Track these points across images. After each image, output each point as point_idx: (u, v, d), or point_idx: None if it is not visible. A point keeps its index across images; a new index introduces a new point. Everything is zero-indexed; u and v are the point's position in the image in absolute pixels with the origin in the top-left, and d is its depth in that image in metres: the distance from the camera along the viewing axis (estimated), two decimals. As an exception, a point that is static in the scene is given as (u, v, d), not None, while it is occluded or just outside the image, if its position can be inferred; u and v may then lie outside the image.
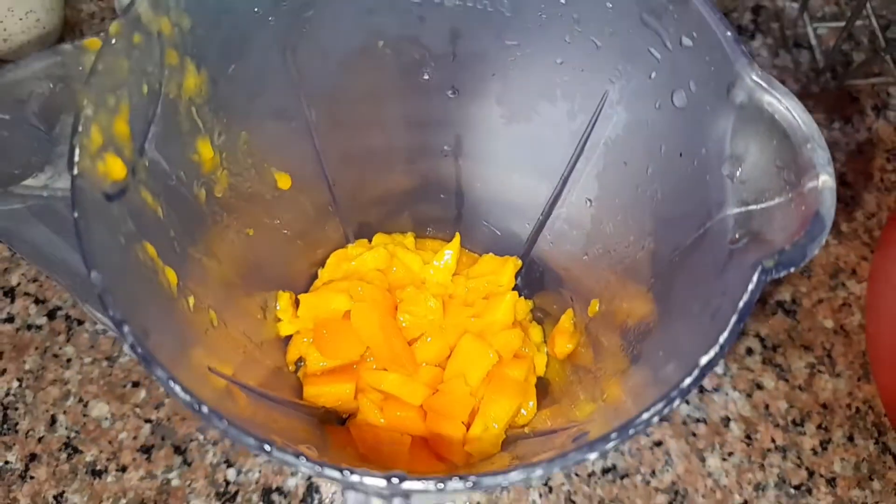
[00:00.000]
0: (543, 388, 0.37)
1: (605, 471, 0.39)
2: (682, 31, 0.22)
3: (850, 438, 0.41)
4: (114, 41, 0.19)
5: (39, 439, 0.42)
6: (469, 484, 0.16)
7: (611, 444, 0.17)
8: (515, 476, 0.16)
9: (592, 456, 0.17)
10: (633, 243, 0.28)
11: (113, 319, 0.16)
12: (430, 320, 0.36)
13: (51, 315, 0.45)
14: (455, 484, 0.16)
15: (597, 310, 0.32)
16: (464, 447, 0.34)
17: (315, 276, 0.39)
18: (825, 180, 0.19)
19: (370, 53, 0.29)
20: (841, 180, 0.50)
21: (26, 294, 0.46)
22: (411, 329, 0.36)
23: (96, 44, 0.22)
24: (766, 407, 0.42)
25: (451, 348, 0.36)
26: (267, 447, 0.16)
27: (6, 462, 0.41)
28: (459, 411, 0.34)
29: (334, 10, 0.26)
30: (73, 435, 0.42)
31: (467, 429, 0.34)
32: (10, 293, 0.46)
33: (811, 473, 0.40)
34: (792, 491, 0.39)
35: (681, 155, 0.24)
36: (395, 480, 0.16)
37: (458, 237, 0.39)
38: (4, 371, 0.44)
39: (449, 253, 0.38)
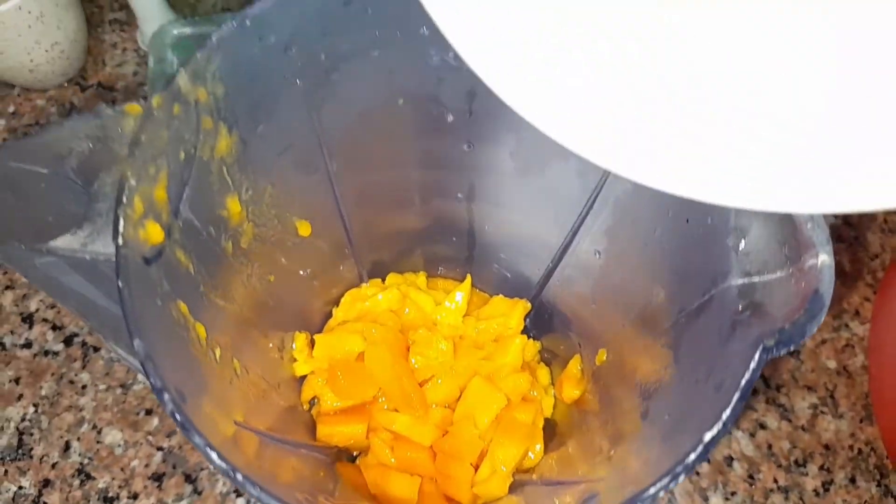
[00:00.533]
0: (551, 429, 0.38)
1: (609, 511, 0.39)
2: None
3: (853, 480, 0.42)
4: (156, 113, 0.21)
5: (53, 465, 0.43)
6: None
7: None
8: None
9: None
10: (640, 298, 0.29)
11: (154, 387, 0.18)
12: (440, 362, 0.37)
13: (67, 341, 0.46)
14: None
15: (604, 359, 0.33)
16: (472, 489, 0.35)
17: (329, 315, 0.40)
18: (824, 260, 0.20)
19: (390, 110, 0.30)
20: (844, 220, 0.51)
21: (44, 320, 0.47)
22: (423, 370, 0.37)
23: (136, 109, 0.23)
24: (769, 447, 0.43)
25: (461, 389, 0.37)
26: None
27: (20, 487, 0.42)
28: (468, 453, 0.35)
29: (358, 71, 0.27)
30: (86, 461, 0.43)
31: (475, 470, 0.35)
32: (29, 319, 0.47)
33: (813, 515, 0.40)
34: (794, 532, 0.40)
35: (687, 221, 0.25)
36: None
37: (469, 280, 0.40)
38: (21, 396, 0.45)
39: (460, 295, 0.39)
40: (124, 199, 0.19)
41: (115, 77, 0.55)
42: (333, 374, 0.36)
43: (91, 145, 0.25)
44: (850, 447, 0.42)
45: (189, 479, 0.42)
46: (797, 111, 0.15)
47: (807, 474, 0.42)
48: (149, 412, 0.44)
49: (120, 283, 0.18)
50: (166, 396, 0.18)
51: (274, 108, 0.26)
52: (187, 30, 0.52)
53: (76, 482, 0.42)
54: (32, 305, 0.48)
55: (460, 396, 0.37)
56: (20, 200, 0.27)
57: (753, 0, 0.15)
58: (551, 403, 0.38)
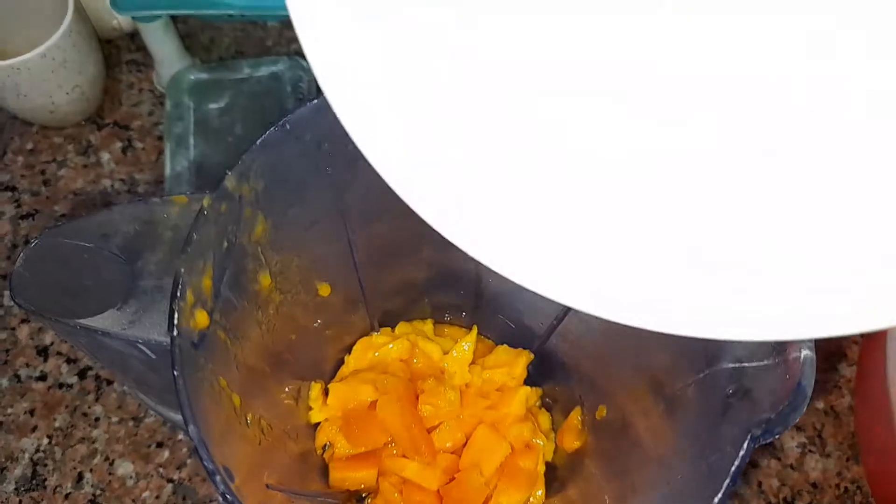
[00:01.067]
0: (551, 472, 0.40)
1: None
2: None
3: (840, 518, 0.44)
4: (206, 212, 0.23)
5: (66, 496, 0.45)
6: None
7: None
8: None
9: None
10: (641, 363, 0.32)
11: (207, 469, 0.20)
12: (448, 411, 0.40)
13: (81, 374, 0.48)
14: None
15: (604, 415, 0.35)
16: (477, 531, 0.37)
17: (342, 362, 0.43)
18: (807, 354, 0.23)
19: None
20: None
21: (59, 353, 0.49)
22: (431, 418, 0.40)
23: (182, 199, 0.25)
24: (759, 484, 0.44)
25: (466, 436, 0.40)
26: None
27: (34, 518, 0.43)
28: (474, 499, 0.37)
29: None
30: (98, 492, 0.45)
31: (480, 514, 0.37)
32: (44, 352, 0.49)
33: (799, 553, 0.42)
34: (779, 571, 0.42)
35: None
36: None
37: (475, 330, 0.42)
38: (35, 428, 0.46)
39: (467, 345, 0.41)
40: (178, 293, 0.21)
41: (131, 116, 0.57)
42: (347, 422, 0.38)
43: (137, 227, 0.27)
44: (837, 486, 0.44)
45: None
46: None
47: (794, 512, 0.44)
48: (160, 444, 0.46)
49: (175, 372, 0.21)
50: (218, 478, 0.20)
51: (305, 193, 0.29)
52: (203, 75, 0.54)
53: (89, 513, 0.43)
54: (47, 339, 0.49)
55: (466, 443, 0.39)
56: (65, 271, 0.29)
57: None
58: (552, 448, 0.41)
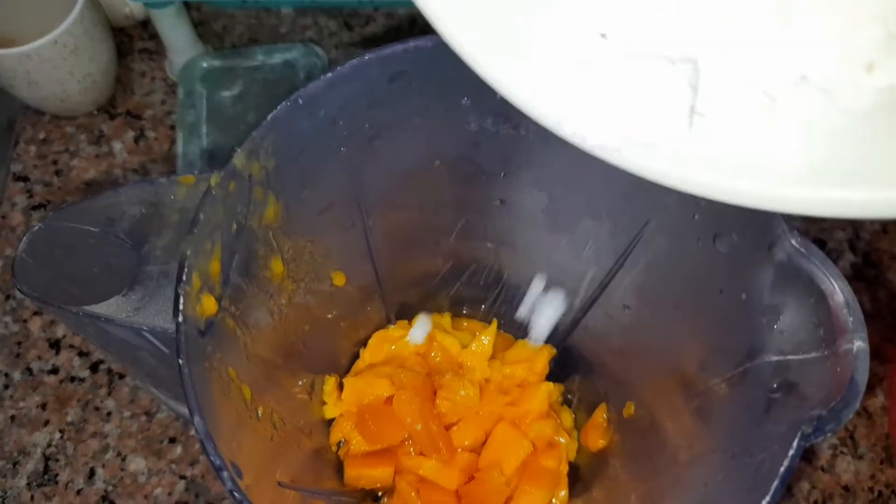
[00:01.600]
0: (574, 473, 0.38)
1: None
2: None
3: (873, 521, 0.42)
4: (214, 191, 0.21)
5: (78, 492, 0.44)
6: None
7: None
8: None
9: None
10: (670, 359, 0.30)
11: (213, 465, 0.18)
12: (467, 407, 0.38)
13: (93, 368, 0.47)
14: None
15: (632, 412, 0.33)
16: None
17: (357, 356, 0.41)
18: (860, 346, 0.21)
19: (426, 170, 0.31)
20: (865, 259, 0.51)
21: (71, 346, 0.48)
22: (449, 415, 0.38)
23: (189, 179, 0.24)
24: (789, 488, 0.43)
25: (486, 434, 0.38)
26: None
27: (46, 513, 0.43)
28: (494, 500, 0.36)
29: (399, 137, 0.28)
30: (110, 489, 0.44)
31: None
32: (56, 345, 0.48)
33: (832, 558, 0.41)
34: (812, 576, 0.40)
35: (721, 292, 0.26)
36: None
37: (495, 323, 0.41)
38: (47, 422, 0.45)
39: (487, 339, 0.40)
40: (184, 277, 0.20)
41: (143, 105, 0.56)
42: (363, 419, 0.37)
43: (143, 210, 0.26)
44: (871, 489, 0.43)
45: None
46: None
47: (827, 516, 0.42)
48: (172, 440, 0.45)
49: (180, 361, 0.19)
50: (225, 475, 0.18)
51: (318, 174, 0.27)
52: (216, 63, 0.53)
53: (100, 509, 0.43)
54: (59, 332, 0.48)
55: (486, 440, 0.38)
56: (70, 256, 0.28)
57: None
58: (575, 447, 0.39)
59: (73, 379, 0.47)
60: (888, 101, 0.15)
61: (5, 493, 0.43)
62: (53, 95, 0.51)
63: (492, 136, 0.29)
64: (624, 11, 0.17)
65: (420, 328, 0.40)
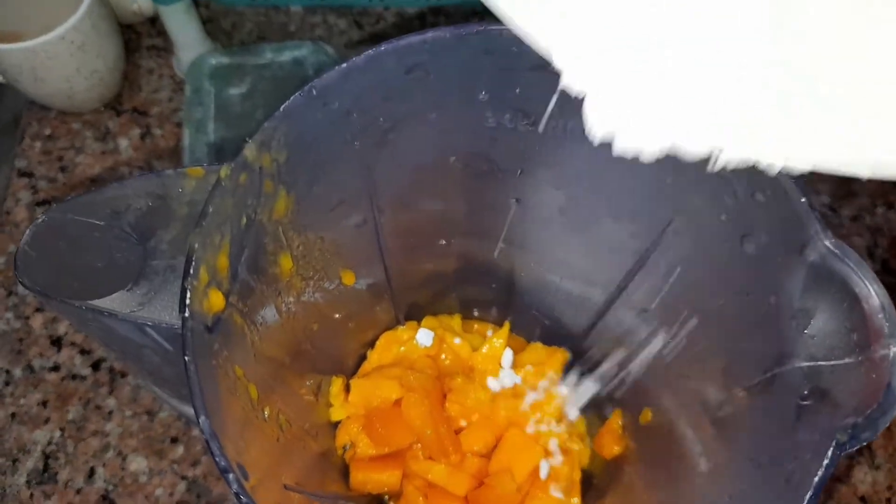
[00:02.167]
0: (586, 481, 0.37)
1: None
2: (754, 186, 0.23)
3: (889, 533, 0.41)
4: (223, 183, 0.21)
5: (78, 491, 0.43)
6: None
7: None
8: None
9: None
10: (691, 363, 0.29)
11: (219, 466, 0.17)
12: (477, 410, 0.37)
13: (95, 366, 0.47)
14: None
15: (649, 419, 0.32)
16: (507, 541, 0.34)
17: (364, 357, 0.40)
18: (897, 352, 0.20)
19: (441, 166, 0.30)
20: (883, 266, 0.50)
21: (73, 344, 0.47)
22: (459, 418, 0.37)
23: (198, 171, 0.23)
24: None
25: (497, 438, 0.37)
26: None
27: (44, 513, 0.42)
28: (505, 506, 0.35)
29: (414, 132, 0.27)
30: (110, 488, 0.43)
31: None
32: (58, 342, 0.47)
33: (849, 572, 0.40)
34: (830, 591, 0.39)
35: (748, 295, 0.25)
36: None
37: (507, 325, 0.40)
38: (48, 420, 0.45)
39: (499, 341, 0.39)
40: (191, 271, 0.19)
41: (150, 102, 0.55)
42: (370, 421, 0.36)
43: (150, 203, 0.25)
44: (888, 500, 0.42)
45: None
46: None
47: (842, 527, 0.41)
48: (174, 440, 0.44)
49: (187, 357, 0.18)
50: (231, 476, 0.17)
51: (331, 168, 0.26)
52: (225, 60, 0.52)
53: (100, 509, 0.42)
54: (61, 329, 0.48)
55: (496, 445, 0.37)
56: (74, 250, 0.27)
57: None
58: (588, 454, 0.38)
59: (74, 377, 0.46)
60: None
61: (4, 490, 0.42)
62: (60, 91, 0.50)
63: (509, 132, 0.28)
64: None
65: (425, 334, 0.39)
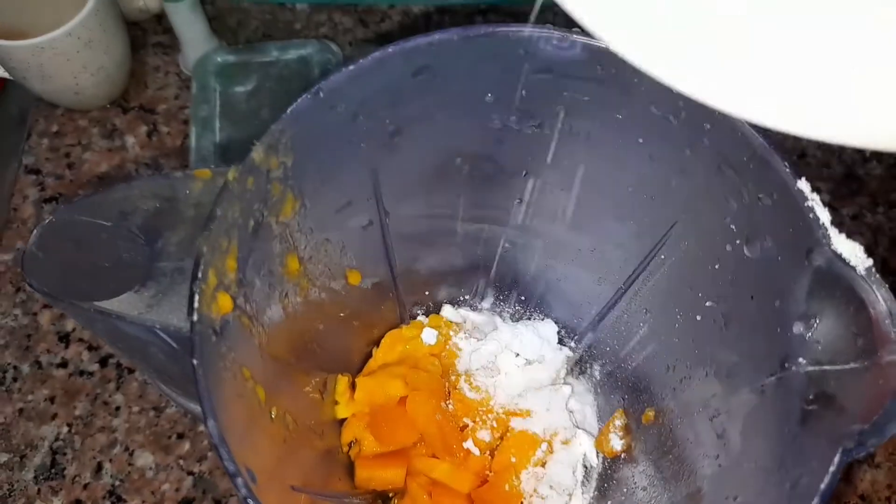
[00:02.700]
0: (588, 478, 0.37)
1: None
2: (761, 189, 0.23)
3: (889, 533, 0.41)
4: (231, 186, 0.21)
5: (85, 486, 0.43)
6: None
7: None
8: None
9: None
10: (694, 365, 0.29)
11: (228, 471, 0.18)
12: (481, 408, 0.37)
13: (102, 362, 0.47)
14: None
15: (651, 419, 0.32)
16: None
17: (369, 355, 0.40)
18: (903, 358, 0.20)
19: (447, 167, 0.30)
20: (884, 267, 0.50)
21: (80, 340, 0.48)
22: (462, 416, 0.37)
23: (205, 174, 0.23)
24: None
25: (500, 436, 0.37)
26: None
27: (51, 508, 0.42)
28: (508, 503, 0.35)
29: (420, 133, 0.27)
30: (117, 483, 0.43)
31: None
32: (65, 339, 0.48)
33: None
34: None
35: (752, 298, 0.25)
36: None
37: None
38: (55, 416, 0.45)
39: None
40: (199, 274, 0.19)
41: (156, 100, 0.55)
42: (375, 419, 0.36)
43: (157, 204, 0.25)
44: (888, 499, 0.42)
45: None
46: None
47: (842, 526, 0.41)
48: (180, 436, 0.45)
49: (195, 362, 0.18)
50: (240, 481, 0.18)
51: (337, 171, 0.26)
52: (230, 58, 0.52)
53: (107, 504, 0.42)
54: (69, 325, 0.48)
55: (500, 443, 0.37)
56: (81, 251, 0.27)
57: None
58: (591, 453, 0.38)
59: (81, 373, 0.46)
60: None
61: (12, 486, 0.43)
62: (67, 88, 0.50)
63: (515, 134, 0.28)
64: None
65: (430, 333, 0.40)
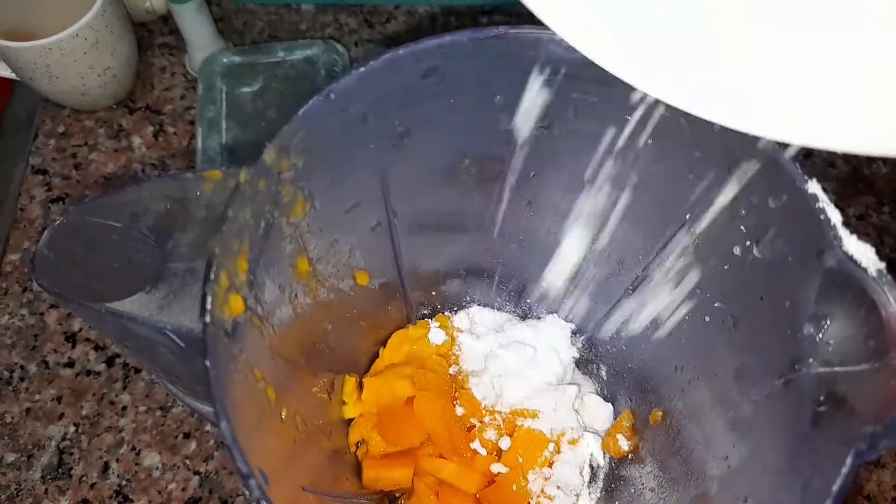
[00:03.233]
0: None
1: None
2: (771, 190, 0.23)
3: (895, 533, 0.41)
4: (243, 189, 0.21)
5: (92, 486, 0.43)
6: None
7: None
8: None
9: None
10: (702, 366, 0.29)
11: (241, 473, 0.18)
12: (488, 409, 0.37)
13: (109, 362, 0.47)
14: None
15: (659, 419, 0.32)
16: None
17: (376, 355, 0.41)
18: (915, 359, 0.20)
19: (455, 168, 0.30)
20: (890, 266, 0.50)
21: (87, 340, 0.48)
22: (469, 417, 0.37)
23: (216, 175, 0.24)
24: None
25: (507, 436, 0.37)
26: None
27: (59, 507, 0.42)
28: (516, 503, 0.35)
29: (429, 135, 0.27)
30: (124, 483, 0.43)
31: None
32: (72, 338, 0.48)
33: (855, 572, 0.40)
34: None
35: (761, 299, 0.25)
36: None
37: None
38: (62, 415, 0.45)
39: (508, 342, 0.39)
40: (212, 276, 0.19)
41: (163, 100, 0.56)
42: (382, 419, 0.36)
43: (168, 206, 0.25)
44: (894, 499, 0.42)
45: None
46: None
47: (848, 526, 0.41)
48: (187, 436, 0.45)
49: (208, 363, 0.19)
50: (253, 483, 0.18)
51: (347, 172, 0.27)
52: (236, 59, 0.52)
53: (114, 504, 0.42)
54: (76, 325, 0.48)
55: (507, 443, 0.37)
56: (92, 252, 0.27)
57: None
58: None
59: (88, 372, 0.47)
60: None
61: (20, 485, 0.43)
62: (73, 89, 0.50)
63: (524, 134, 0.28)
64: None
65: (437, 333, 0.40)
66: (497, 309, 0.42)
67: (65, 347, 0.47)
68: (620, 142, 0.27)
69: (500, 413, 0.38)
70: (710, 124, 0.23)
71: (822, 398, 0.22)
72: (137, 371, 0.46)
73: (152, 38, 0.57)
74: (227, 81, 0.51)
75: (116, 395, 0.46)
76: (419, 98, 0.26)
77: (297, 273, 0.27)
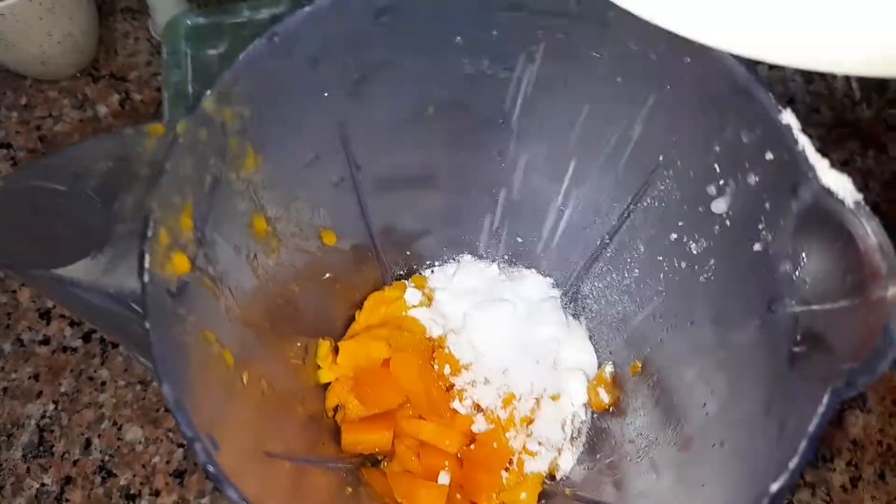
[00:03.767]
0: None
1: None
2: (744, 123, 0.22)
3: (882, 476, 0.41)
4: (181, 140, 0.19)
5: (74, 462, 0.43)
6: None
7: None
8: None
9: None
10: (683, 311, 0.28)
11: (185, 436, 0.17)
12: (466, 367, 0.37)
13: (86, 338, 0.46)
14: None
15: (639, 370, 0.32)
16: (500, 495, 0.34)
17: (352, 319, 0.40)
18: (894, 293, 0.19)
19: (418, 117, 0.29)
20: (875, 209, 0.49)
21: (62, 316, 0.47)
22: (448, 376, 0.37)
23: (158, 129, 0.22)
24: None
25: (490, 392, 0.37)
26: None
27: (42, 484, 0.42)
28: (496, 463, 0.34)
29: (388, 81, 0.26)
30: (107, 458, 0.43)
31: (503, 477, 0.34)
32: (46, 315, 0.47)
33: (841, 512, 0.40)
34: (822, 530, 0.39)
35: (737, 240, 0.24)
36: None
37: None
38: (41, 393, 0.45)
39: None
40: (149, 233, 0.18)
41: (127, 67, 0.54)
42: (359, 383, 0.35)
43: (112, 164, 0.24)
44: (879, 443, 0.42)
45: (210, 475, 0.42)
46: None
47: (834, 470, 0.41)
48: (168, 409, 0.44)
49: (147, 324, 0.17)
50: (198, 446, 0.17)
51: (300, 122, 0.25)
52: (201, 20, 0.50)
53: (98, 479, 0.42)
54: (49, 301, 0.47)
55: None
56: (38, 217, 0.26)
57: None
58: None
59: (65, 349, 0.46)
60: None
61: (0, 465, 0.42)
62: (33, 58, 0.49)
63: (488, 79, 0.27)
64: None
65: (413, 293, 0.39)
66: (475, 265, 0.41)
67: (39, 324, 0.46)
68: (590, 82, 0.26)
69: (480, 370, 0.37)
70: (681, 57, 0.22)
71: (799, 338, 0.21)
72: (115, 346, 0.45)
73: (113, 2, 0.55)
74: (191, 44, 0.49)
75: (95, 371, 0.45)
76: (373, 41, 0.24)
77: (255, 232, 0.26)
